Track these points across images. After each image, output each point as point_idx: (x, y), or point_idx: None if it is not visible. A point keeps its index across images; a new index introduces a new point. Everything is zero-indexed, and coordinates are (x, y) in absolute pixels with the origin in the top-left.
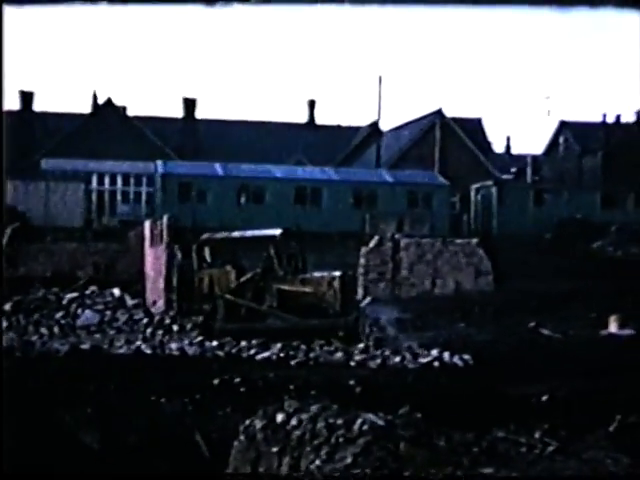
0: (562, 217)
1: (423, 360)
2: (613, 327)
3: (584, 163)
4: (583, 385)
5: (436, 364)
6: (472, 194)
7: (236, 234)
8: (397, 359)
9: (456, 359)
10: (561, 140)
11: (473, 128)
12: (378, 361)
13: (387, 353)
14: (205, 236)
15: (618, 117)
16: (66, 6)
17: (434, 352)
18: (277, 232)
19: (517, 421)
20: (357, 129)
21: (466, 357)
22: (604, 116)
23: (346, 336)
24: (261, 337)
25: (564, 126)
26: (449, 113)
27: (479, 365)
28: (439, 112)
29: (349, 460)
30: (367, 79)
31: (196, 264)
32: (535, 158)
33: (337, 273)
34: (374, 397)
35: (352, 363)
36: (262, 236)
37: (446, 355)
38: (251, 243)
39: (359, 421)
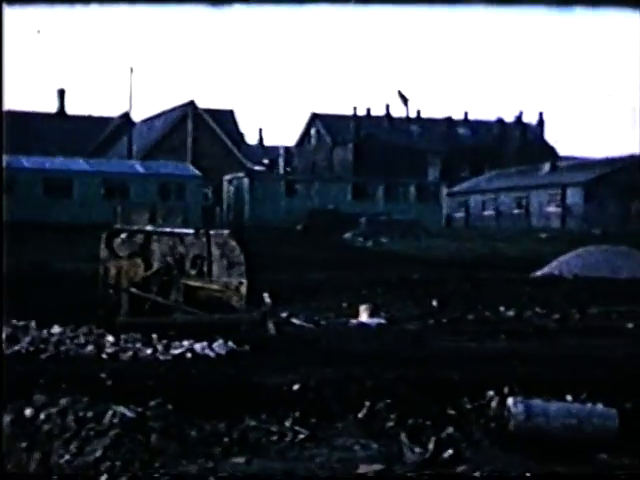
0: (313, 208)
1: (175, 352)
2: (364, 316)
3: (335, 155)
4: (334, 373)
5: (188, 355)
6: (225, 185)
7: (149, 228)
8: (149, 351)
9: (207, 350)
10: (313, 132)
11: (225, 120)
12: (130, 353)
13: (138, 345)
14: (116, 227)
15: (369, 110)
16: None
17: (186, 343)
18: (190, 231)
19: (269, 410)
20: (108, 119)
21: (217, 348)
22: (355, 109)
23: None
24: (166, 331)
25: (316, 118)
26: (201, 104)
27: (230, 356)
28: (191, 103)
29: (99, 453)
30: (118, 70)
31: (103, 254)
32: (287, 149)
33: (244, 280)
34: (125, 389)
35: (103, 356)
36: (173, 233)
37: (198, 346)
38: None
39: (109, 414)
